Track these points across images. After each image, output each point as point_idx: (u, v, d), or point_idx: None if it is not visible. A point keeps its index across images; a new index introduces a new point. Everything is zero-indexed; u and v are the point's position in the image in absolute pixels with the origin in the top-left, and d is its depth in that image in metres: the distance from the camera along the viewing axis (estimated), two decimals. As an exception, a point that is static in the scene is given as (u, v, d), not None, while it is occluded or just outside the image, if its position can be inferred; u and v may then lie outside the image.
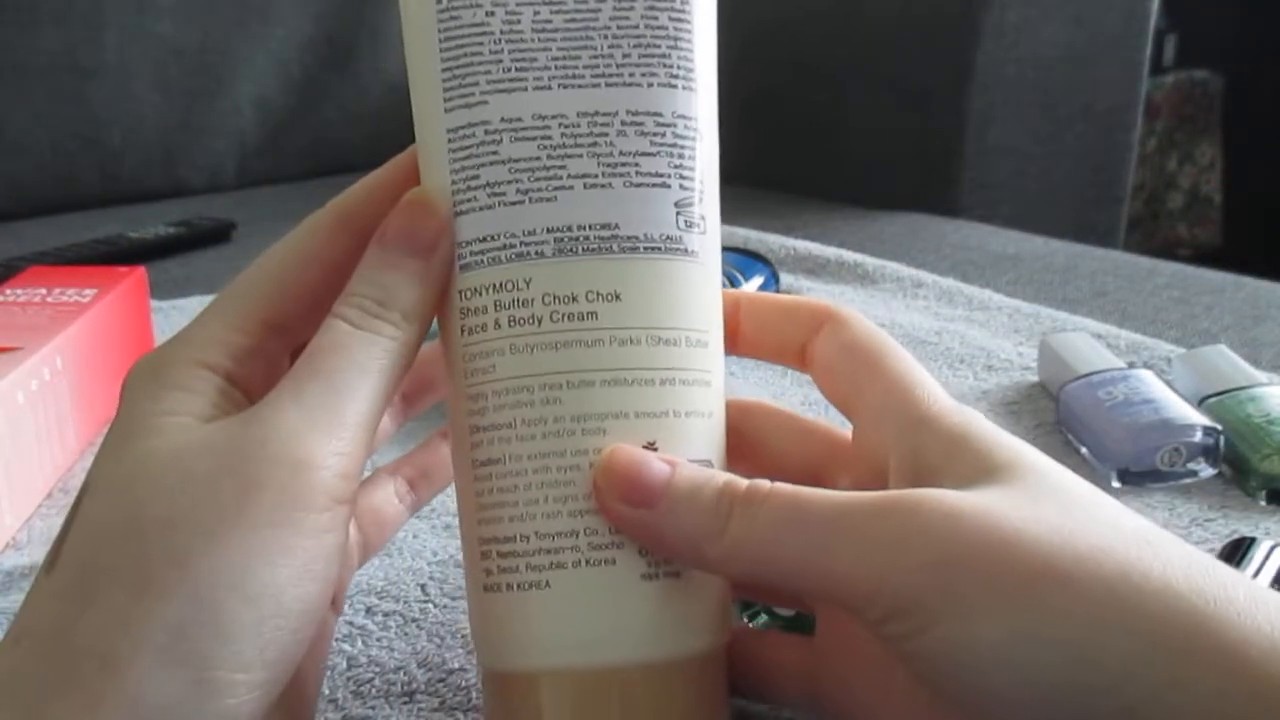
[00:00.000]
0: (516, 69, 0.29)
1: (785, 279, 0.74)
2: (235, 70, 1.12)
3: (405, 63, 0.30)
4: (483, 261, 0.28)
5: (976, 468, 0.26)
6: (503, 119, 0.28)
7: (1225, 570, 0.24)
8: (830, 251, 0.80)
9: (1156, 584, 0.23)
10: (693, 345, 0.29)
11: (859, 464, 0.30)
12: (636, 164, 0.29)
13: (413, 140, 0.30)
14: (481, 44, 0.29)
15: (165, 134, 1.09)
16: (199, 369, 0.27)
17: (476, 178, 0.28)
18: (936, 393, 0.29)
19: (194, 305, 0.72)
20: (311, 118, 1.17)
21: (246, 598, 0.23)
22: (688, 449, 0.28)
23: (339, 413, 0.26)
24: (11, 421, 0.45)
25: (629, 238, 0.28)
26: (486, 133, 0.28)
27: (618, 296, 0.28)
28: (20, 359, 0.47)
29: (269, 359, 0.28)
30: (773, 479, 0.27)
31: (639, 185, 0.29)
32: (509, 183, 0.28)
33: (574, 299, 0.28)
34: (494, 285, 0.28)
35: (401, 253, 0.28)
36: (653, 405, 0.28)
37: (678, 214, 0.29)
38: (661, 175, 0.29)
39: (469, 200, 0.28)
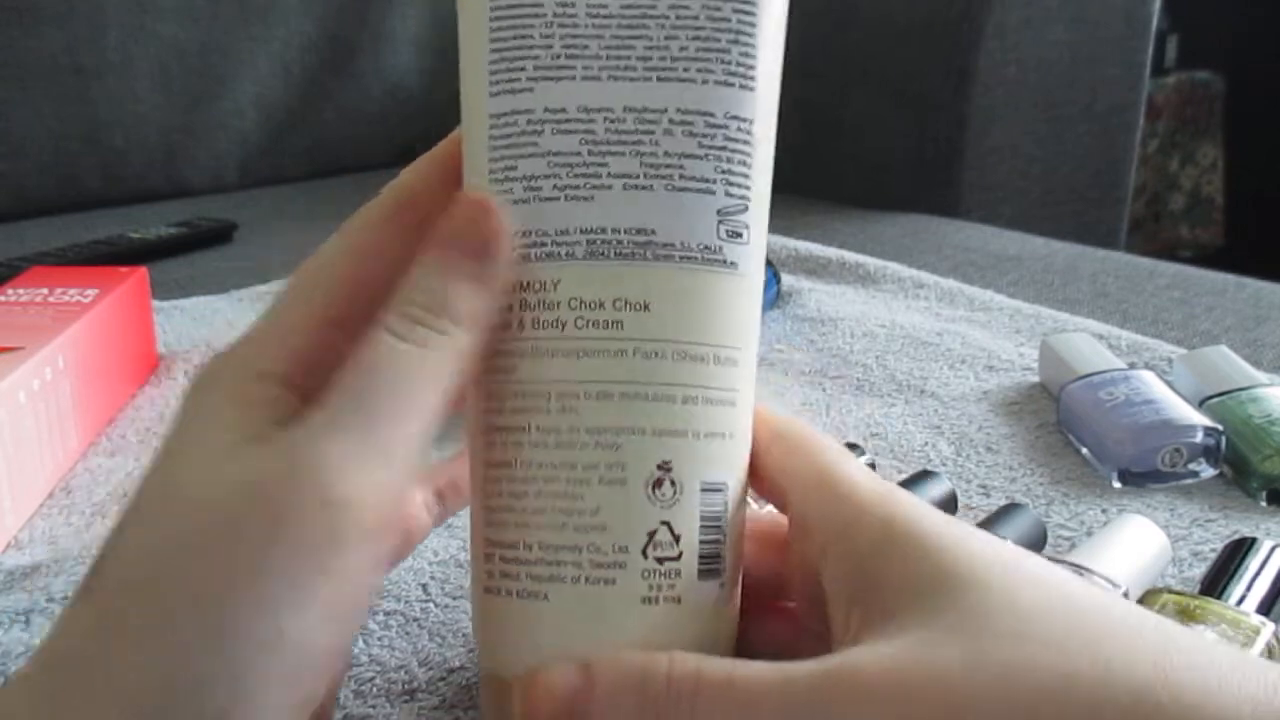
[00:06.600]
0: (566, 56, 0.27)
1: (786, 280, 0.74)
2: (237, 71, 1.12)
3: (457, 42, 0.28)
4: (511, 258, 0.27)
5: (904, 591, 0.24)
6: (546, 109, 0.27)
7: (1200, 670, 0.21)
8: (831, 252, 0.80)
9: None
10: (721, 363, 0.27)
11: (797, 571, 0.28)
12: (681, 166, 0.27)
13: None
14: (532, 27, 0.27)
15: (167, 134, 1.09)
16: (257, 379, 0.25)
17: (514, 169, 0.27)
18: (855, 482, 0.27)
19: (195, 306, 0.72)
20: (313, 119, 1.18)
21: (264, 648, 0.22)
22: (703, 471, 0.27)
23: (376, 439, 0.24)
24: (13, 421, 0.45)
25: (664, 245, 0.27)
26: (529, 122, 0.27)
27: (646, 307, 0.27)
28: (22, 359, 0.47)
29: (337, 356, 0.26)
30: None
31: (681, 189, 0.27)
32: (546, 177, 0.27)
33: (601, 305, 0.27)
34: (520, 284, 0.27)
35: (456, 255, 0.26)
36: (671, 423, 0.27)
37: (719, 222, 0.27)
38: (706, 180, 0.27)
39: (504, 192, 0.27)
